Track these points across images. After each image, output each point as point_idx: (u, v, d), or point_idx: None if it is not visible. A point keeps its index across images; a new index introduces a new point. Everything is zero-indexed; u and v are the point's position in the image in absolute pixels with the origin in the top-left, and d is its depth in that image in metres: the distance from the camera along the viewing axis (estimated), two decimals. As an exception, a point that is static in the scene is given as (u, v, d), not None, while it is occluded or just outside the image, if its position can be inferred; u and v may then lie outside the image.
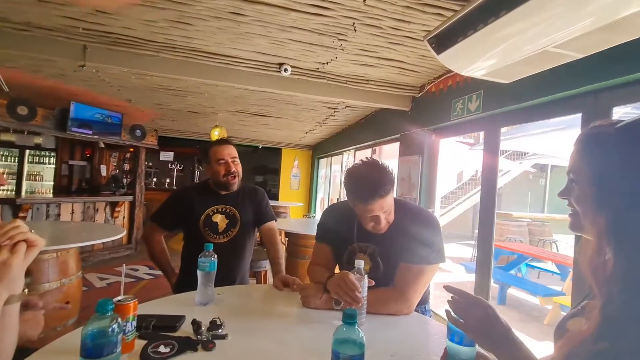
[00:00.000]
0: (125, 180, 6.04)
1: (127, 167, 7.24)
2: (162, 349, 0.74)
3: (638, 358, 0.48)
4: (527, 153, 6.67)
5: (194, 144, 8.19)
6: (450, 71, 2.76)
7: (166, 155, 7.46)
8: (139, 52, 2.61)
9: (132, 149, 6.02)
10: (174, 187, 8.27)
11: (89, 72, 3.16)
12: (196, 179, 9.12)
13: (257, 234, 1.70)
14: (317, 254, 1.34)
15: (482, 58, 1.70)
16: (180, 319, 0.91)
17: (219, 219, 1.52)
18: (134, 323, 0.74)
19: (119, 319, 0.60)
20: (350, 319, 0.60)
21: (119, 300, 0.72)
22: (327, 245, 1.32)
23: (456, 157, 6.52)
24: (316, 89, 3.21)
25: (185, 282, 1.49)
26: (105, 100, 4.32)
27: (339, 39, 2.32)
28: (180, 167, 8.55)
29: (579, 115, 1.82)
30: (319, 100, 3.87)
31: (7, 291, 0.55)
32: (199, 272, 1.07)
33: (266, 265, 2.46)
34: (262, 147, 7.58)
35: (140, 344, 0.77)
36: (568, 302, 3.09)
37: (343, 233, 1.25)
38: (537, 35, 1.41)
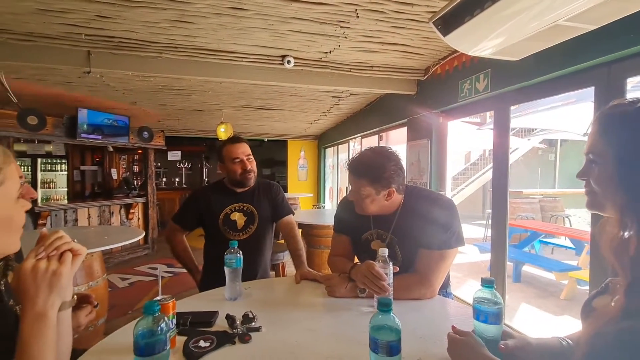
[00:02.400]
0: (136, 182, 6.13)
1: (136, 169, 7.34)
2: (202, 343, 0.78)
3: None
4: (535, 129, 6.57)
5: (200, 142, 8.25)
6: (455, 52, 2.72)
7: (174, 155, 7.52)
8: (142, 54, 2.62)
9: (140, 151, 6.09)
10: (184, 186, 8.37)
11: (94, 78, 3.18)
12: (204, 176, 9.21)
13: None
14: (336, 244, 1.37)
15: (490, 37, 1.66)
16: (214, 314, 0.95)
17: (237, 217, 1.55)
18: (174, 321, 0.78)
19: (166, 318, 0.63)
20: (385, 307, 0.63)
21: (159, 300, 0.75)
22: (345, 236, 1.35)
23: (464, 138, 6.46)
24: (320, 78, 3.19)
25: (209, 278, 1.53)
26: (111, 104, 4.36)
27: (341, 27, 2.29)
28: (188, 165, 8.63)
29: (592, 88, 1.79)
30: (323, 90, 3.85)
31: (60, 299, 0.58)
32: (226, 269, 1.10)
33: (284, 257, 2.51)
34: (267, 140, 7.59)
35: (180, 340, 0.80)
36: (584, 276, 3.10)
37: (360, 222, 1.27)
38: (548, 10, 1.37)
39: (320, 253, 3.19)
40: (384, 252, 1.01)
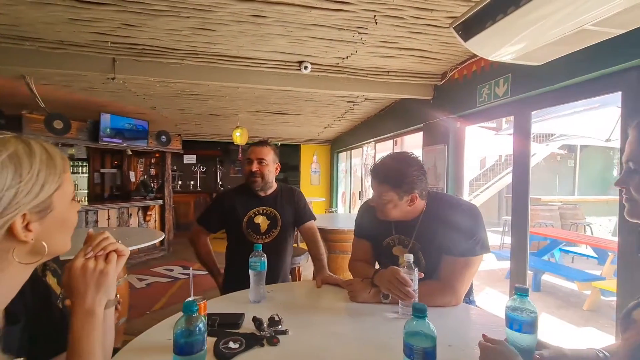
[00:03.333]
0: (153, 185, 6.27)
1: (153, 172, 7.50)
2: (231, 344, 0.79)
3: None
4: (554, 134, 6.43)
5: (215, 146, 8.37)
6: (474, 57, 2.70)
7: (189, 158, 7.67)
8: (163, 60, 2.69)
9: (157, 154, 6.23)
10: (199, 189, 8.50)
11: (117, 84, 3.28)
12: (218, 180, 9.33)
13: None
14: (356, 249, 1.37)
15: (513, 42, 1.65)
16: (240, 316, 0.96)
17: (261, 220, 1.57)
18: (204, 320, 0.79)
19: (203, 318, 0.65)
20: (420, 313, 0.63)
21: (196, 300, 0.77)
22: (366, 241, 1.35)
23: (479, 143, 6.36)
24: (336, 84, 3.21)
25: (231, 281, 1.55)
26: (132, 109, 4.49)
27: (359, 33, 2.30)
28: (203, 169, 8.77)
29: (618, 93, 1.75)
30: (338, 95, 3.87)
31: (106, 296, 0.61)
32: (251, 272, 1.12)
33: (300, 261, 2.52)
34: (281, 144, 7.65)
35: (210, 340, 0.82)
36: (608, 286, 2.99)
37: (381, 227, 1.27)
38: (574, 14, 1.35)
39: (335, 258, 3.18)
40: (409, 257, 1.01)
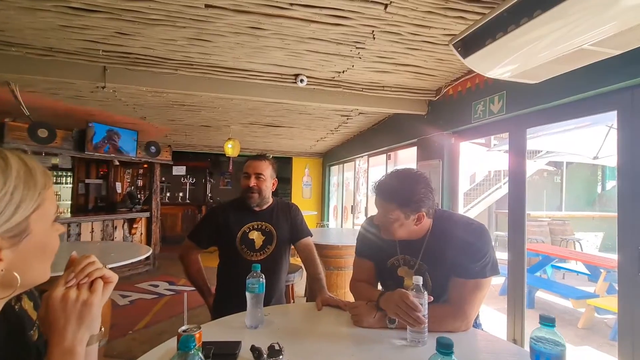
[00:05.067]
0: (139, 196, 6.09)
1: (140, 182, 7.32)
2: (229, 380, 0.71)
3: None
4: (541, 151, 6.57)
5: (205, 158, 8.26)
6: (468, 73, 2.73)
7: (178, 170, 7.52)
8: (156, 70, 2.64)
9: (145, 165, 6.08)
10: (187, 201, 8.32)
11: (106, 93, 3.20)
12: (208, 192, 9.16)
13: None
14: (359, 269, 1.30)
15: (511, 59, 1.66)
16: (237, 345, 0.88)
17: (256, 236, 1.50)
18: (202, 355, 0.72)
19: (200, 353, 0.58)
20: (446, 349, 0.57)
21: (184, 331, 0.69)
22: (369, 260, 1.29)
23: (470, 159, 6.45)
24: (331, 97, 3.20)
25: (223, 301, 1.46)
26: (121, 119, 4.38)
27: (357, 48, 2.31)
28: (192, 180, 8.61)
29: (613, 112, 1.77)
30: (333, 109, 3.86)
31: (89, 332, 0.53)
32: (248, 294, 1.04)
33: (294, 278, 2.42)
34: (272, 157, 7.58)
35: (204, 375, 0.74)
36: (604, 304, 2.98)
37: (385, 246, 1.22)
38: (571, 34, 1.37)
39: (329, 275, 3.10)
40: (419, 280, 0.95)
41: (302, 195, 7.91)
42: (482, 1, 1.72)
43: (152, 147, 5.22)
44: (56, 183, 6.21)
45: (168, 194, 8.35)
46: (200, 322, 1.08)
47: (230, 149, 4.87)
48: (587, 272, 4.13)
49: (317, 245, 3.15)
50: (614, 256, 2.09)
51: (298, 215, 1.64)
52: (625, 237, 1.65)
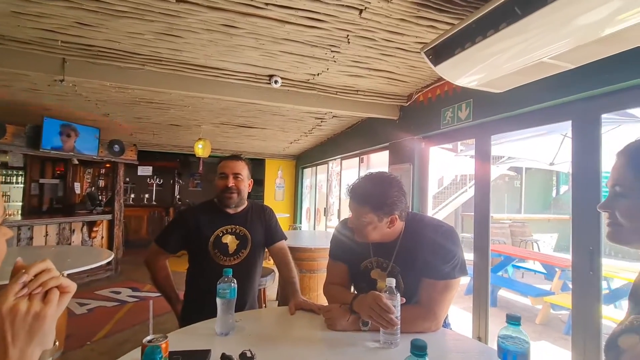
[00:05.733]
0: (101, 198, 5.74)
1: (102, 183, 6.90)
2: (198, 392, 0.68)
3: None
4: (503, 157, 6.96)
5: (173, 158, 7.95)
6: (438, 81, 2.83)
7: (144, 170, 7.18)
8: (122, 65, 2.50)
9: (108, 165, 5.75)
10: (154, 203, 7.96)
11: (65, 87, 2.99)
12: (176, 193, 8.83)
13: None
14: (332, 272, 1.30)
15: (478, 69, 1.74)
16: (207, 353, 0.84)
17: (229, 240, 1.45)
18: (167, 366, 0.68)
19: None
20: (420, 351, 0.57)
21: (150, 341, 0.65)
22: (342, 263, 1.29)
23: (438, 163, 6.70)
24: (305, 100, 3.20)
25: (192, 308, 1.40)
26: (81, 115, 4.11)
27: (332, 51, 2.32)
28: (159, 181, 8.25)
29: (569, 122, 1.90)
30: (306, 111, 3.86)
31: (40, 347, 0.47)
32: (218, 300, 1.00)
33: (266, 282, 2.38)
34: (245, 158, 7.45)
35: (170, 387, 0.70)
36: (558, 301, 3.19)
37: (358, 249, 1.22)
38: (535, 47, 1.46)
39: (302, 277, 3.08)
40: (392, 282, 0.96)
41: (275, 197, 7.83)
42: (452, 12, 1.78)
43: (116, 146, 4.95)
44: (5, 182, 5.70)
45: (133, 195, 7.95)
46: (167, 330, 1.03)
47: (201, 150, 4.72)
48: (544, 271, 4.42)
49: (290, 248, 3.14)
50: (568, 256, 2.25)
51: (272, 218, 1.61)
52: (578, 239, 1.78)
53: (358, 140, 4.48)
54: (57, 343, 0.52)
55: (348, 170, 5.38)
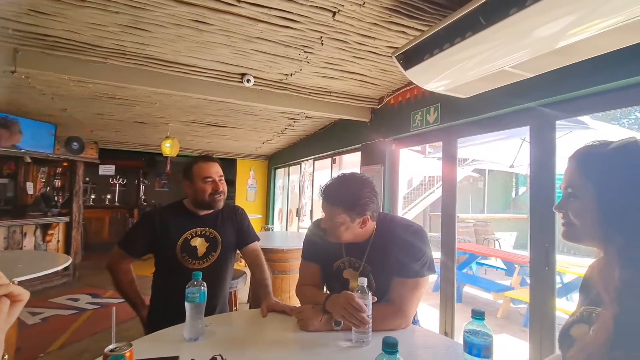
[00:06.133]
0: (57, 199, 5.36)
1: (58, 183, 6.44)
2: (164, 401, 0.65)
3: None
4: (468, 159, 7.30)
5: (138, 157, 7.59)
6: (408, 85, 2.92)
7: (106, 169, 6.79)
8: (82, 57, 2.36)
9: (65, 163, 5.37)
10: (117, 204, 7.55)
11: (17, 78, 2.77)
12: (141, 194, 8.43)
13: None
14: (305, 273, 1.30)
15: (445, 75, 1.82)
16: (174, 361, 0.81)
17: (198, 243, 1.40)
18: (131, 376, 0.64)
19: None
20: (391, 348, 0.58)
21: (112, 350, 0.62)
22: (315, 263, 1.29)
23: (408, 164, 6.90)
24: (278, 100, 3.18)
25: (158, 314, 1.34)
26: (35, 109, 3.82)
27: (305, 52, 2.32)
28: (123, 181, 7.84)
29: (527, 127, 2.03)
30: (279, 111, 3.84)
31: None
32: (187, 305, 0.96)
33: (237, 284, 2.33)
34: (216, 157, 7.26)
35: (135, 398, 0.66)
36: (518, 295, 3.40)
37: (331, 249, 1.23)
38: (497, 56, 1.54)
39: (274, 279, 3.05)
40: (363, 281, 0.98)
41: (247, 198, 7.70)
42: (422, 19, 1.85)
43: (75, 143, 4.64)
44: (-56, 182, 5.16)
45: (93, 196, 7.49)
46: (131, 337, 0.98)
47: (168, 148, 4.54)
48: (505, 267, 4.68)
49: (262, 250, 3.10)
50: (526, 253, 2.39)
51: (245, 219, 1.58)
52: (535, 237, 1.90)
53: (331, 141, 4.52)
54: (6, 357, 0.47)
55: (321, 171, 5.40)
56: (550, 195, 1.84)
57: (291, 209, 6.89)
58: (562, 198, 0.69)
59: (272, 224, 7.47)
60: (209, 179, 1.44)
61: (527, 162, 1.98)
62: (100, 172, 6.88)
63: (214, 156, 1.59)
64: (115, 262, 1.41)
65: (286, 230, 6.79)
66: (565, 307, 2.77)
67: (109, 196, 7.57)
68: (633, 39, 1.29)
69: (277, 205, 7.57)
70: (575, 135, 3.71)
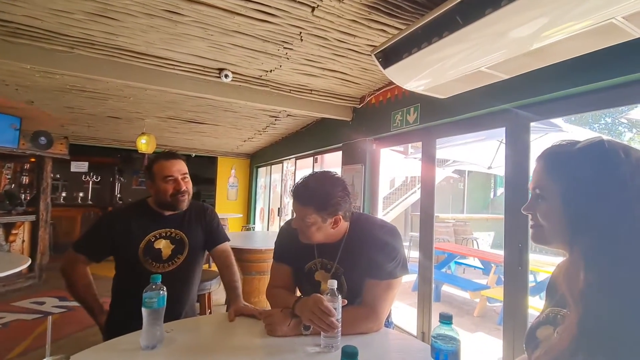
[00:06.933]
0: (23, 197, 5.07)
1: (25, 180, 6.10)
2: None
3: None
4: (449, 160, 7.42)
5: (113, 153, 7.32)
6: (389, 84, 2.91)
7: (79, 166, 6.50)
8: (46, 46, 2.22)
9: (33, 159, 5.09)
10: (90, 202, 7.24)
11: (-25, 67, 2.58)
12: (116, 192, 8.13)
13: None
14: (276, 275, 1.25)
15: (424, 74, 1.81)
16: (124, 373, 0.75)
17: (163, 245, 1.32)
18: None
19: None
20: (351, 358, 0.55)
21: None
22: (286, 265, 1.25)
23: (390, 165, 6.94)
24: (258, 96, 3.11)
25: (118, 320, 1.26)
26: (-2, 101, 3.60)
27: (284, 47, 2.27)
28: (96, 178, 7.53)
29: (503, 128, 2.05)
30: (260, 109, 3.76)
31: None
32: (144, 310, 0.90)
33: (210, 286, 2.25)
34: (195, 155, 7.09)
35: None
36: (493, 294, 3.46)
37: (303, 250, 1.19)
38: (474, 56, 1.54)
39: (251, 280, 2.98)
40: (333, 284, 0.94)
41: (228, 197, 7.55)
42: (401, 17, 1.83)
43: (42, 138, 4.40)
44: None
45: (64, 194, 7.16)
46: (95, 343, 0.91)
47: (144, 145, 4.38)
48: (482, 266, 4.78)
49: (241, 250, 3.03)
50: (502, 252, 2.43)
51: (214, 219, 1.50)
52: (510, 236, 1.92)
53: (313, 140, 4.47)
54: None
55: (303, 170, 5.35)
56: (524, 196, 1.87)
57: (273, 209, 6.80)
58: (531, 199, 0.67)
59: (254, 223, 7.36)
60: (170, 178, 1.35)
61: (503, 163, 2.00)
62: (72, 169, 6.58)
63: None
64: (70, 265, 1.32)
65: (267, 230, 6.70)
66: (538, 305, 2.83)
67: (81, 194, 7.25)
68: (602, 43, 1.31)
69: (259, 205, 7.46)
70: (549, 138, 3.81)
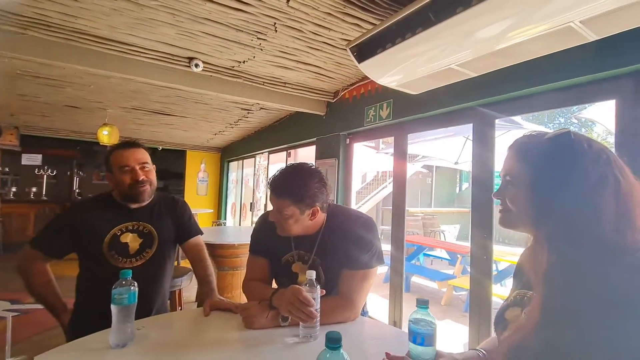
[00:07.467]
0: (-33, 192, 4.63)
1: (-31, 174, 5.58)
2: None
3: (579, 346, 0.53)
4: (418, 155, 7.66)
5: (72, 145, 6.85)
6: (363, 79, 2.94)
7: (31, 159, 6.03)
8: (-7, 26, 2.02)
9: (-22, 151, 4.66)
10: (44, 198, 6.74)
11: None
12: (75, 187, 7.62)
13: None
14: (252, 268, 1.24)
15: (397, 70, 1.85)
16: (93, 373, 0.71)
17: (130, 239, 1.25)
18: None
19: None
20: (335, 344, 0.55)
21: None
22: (263, 257, 1.24)
23: (362, 159, 7.05)
24: (230, 88, 3.03)
25: (83, 319, 1.19)
26: None
27: (258, 38, 2.22)
28: (52, 172, 7.01)
29: (470, 125, 2.15)
30: (232, 101, 3.67)
31: None
32: (113, 308, 0.85)
33: (181, 282, 2.19)
34: (162, 148, 6.80)
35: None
36: (459, 283, 3.64)
37: (280, 243, 1.18)
38: (445, 53, 1.60)
39: (224, 275, 2.93)
40: (311, 274, 0.94)
41: (197, 191, 7.33)
42: (375, 12, 1.85)
43: (-11, 128, 4.03)
44: None
45: (15, 189, 6.60)
46: (56, 345, 0.85)
47: (106, 137, 4.13)
48: (448, 257, 5.00)
49: (213, 245, 2.96)
50: (467, 244, 2.55)
51: (186, 211, 1.45)
52: (476, 229, 2.03)
53: (286, 134, 4.44)
54: None
55: (275, 165, 5.30)
56: (490, 190, 1.97)
57: (245, 204, 6.69)
58: (501, 185, 0.71)
59: (225, 219, 7.20)
60: (127, 168, 1.27)
61: (470, 159, 2.10)
62: (24, 162, 6.09)
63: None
64: (27, 263, 1.22)
65: (239, 225, 6.59)
66: (500, 292, 3.02)
67: (34, 189, 6.71)
68: (561, 45, 1.40)
69: (231, 200, 7.31)
70: (512, 135, 4.04)
